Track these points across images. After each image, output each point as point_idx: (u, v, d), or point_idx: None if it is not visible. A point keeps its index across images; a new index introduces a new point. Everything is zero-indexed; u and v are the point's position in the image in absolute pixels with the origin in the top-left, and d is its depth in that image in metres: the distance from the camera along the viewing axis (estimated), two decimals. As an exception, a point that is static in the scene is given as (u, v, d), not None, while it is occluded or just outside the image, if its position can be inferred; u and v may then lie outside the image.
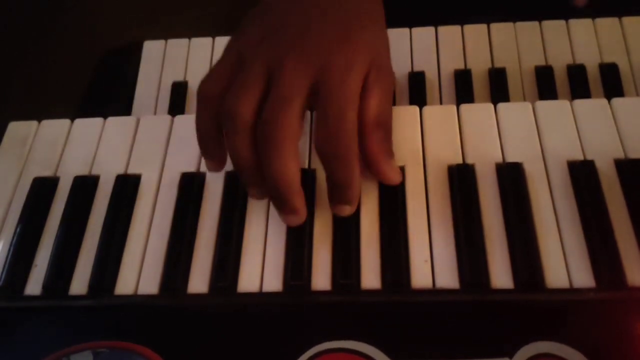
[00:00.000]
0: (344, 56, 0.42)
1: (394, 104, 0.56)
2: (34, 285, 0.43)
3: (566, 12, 0.60)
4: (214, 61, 0.47)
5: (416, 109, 0.48)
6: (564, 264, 0.40)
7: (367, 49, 0.43)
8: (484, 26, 0.60)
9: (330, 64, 0.41)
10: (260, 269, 0.42)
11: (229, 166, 0.47)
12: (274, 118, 0.40)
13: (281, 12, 0.45)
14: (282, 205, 0.42)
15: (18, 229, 0.46)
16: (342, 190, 0.42)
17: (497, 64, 0.58)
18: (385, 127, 0.44)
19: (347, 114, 0.41)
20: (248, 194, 0.45)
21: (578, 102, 0.47)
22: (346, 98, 0.41)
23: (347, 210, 0.43)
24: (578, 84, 0.55)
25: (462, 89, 0.56)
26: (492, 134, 0.46)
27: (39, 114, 0.52)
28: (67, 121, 0.51)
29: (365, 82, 0.42)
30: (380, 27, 0.47)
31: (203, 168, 0.47)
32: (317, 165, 0.46)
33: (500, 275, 0.40)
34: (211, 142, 0.44)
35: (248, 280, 0.42)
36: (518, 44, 0.58)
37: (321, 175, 0.45)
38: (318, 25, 0.43)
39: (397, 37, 0.60)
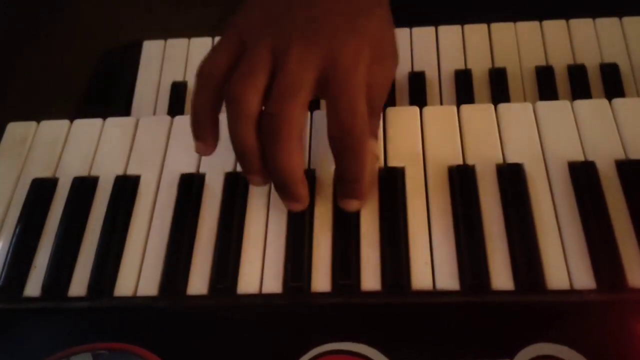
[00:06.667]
0: (353, 46, 0.41)
1: (394, 104, 0.56)
2: (33, 287, 0.43)
3: (566, 12, 0.59)
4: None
5: (416, 109, 0.48)
6: (565, 265, 0.40)
7: (374, 36, 0.43)
8: (484, 26, 0.60)
9: (339, 55, 0.41)
10: (260, 270, 0.42)
11: (228, 167, 0.47)
12: (280, 111, 0.40)
13: None
14: (286, 195, 0.43)
15: (17, 230, 0.45)
16: (352, 185, 0.42)
17: (498, 64, 0.58)
18: (377, 111, 0.45)
19: (358, 107, 0.40)
20: (249, 181, 0.44)
21: (579, 103, 0.47)
22: (356, 90, 0.41)
23: (354, 205, 0.43)
24: (579, 84, 0.55)
25: (463, 89, 0.56)
26: (492, 134, 0.46)
27: (38, 115, 0.52)
28: (66, 122, 0.51)
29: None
30: (385, 9, 0.46)
31: (203, 169, 0.47)
32: (317, 165, 0.46)
33: (501, 276, 0.40)
34: (206, 122, 0.43)
35: (248, 282, 0.41)
36: (518, 44, 0.58)
37: (321, 175, 0.45)
38: (325, 11, 0.42)
39: (398, 37, 0.60)
